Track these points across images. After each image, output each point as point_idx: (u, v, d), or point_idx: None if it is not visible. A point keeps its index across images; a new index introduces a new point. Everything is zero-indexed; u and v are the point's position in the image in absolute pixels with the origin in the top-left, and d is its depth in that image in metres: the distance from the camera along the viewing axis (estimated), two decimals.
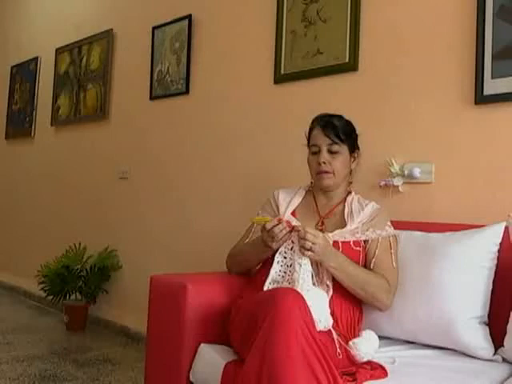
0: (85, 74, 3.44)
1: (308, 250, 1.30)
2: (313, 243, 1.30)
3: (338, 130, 1.51)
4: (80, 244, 3.17)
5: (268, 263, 1.44)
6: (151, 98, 2.94)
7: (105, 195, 3.25)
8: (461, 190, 1.71)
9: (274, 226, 1.35)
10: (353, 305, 1.43)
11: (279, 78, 2.29)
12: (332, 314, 1.33)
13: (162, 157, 2.88)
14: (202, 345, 1.42)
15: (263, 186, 2.20)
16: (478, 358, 1.36)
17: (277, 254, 1.38)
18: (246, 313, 1.26)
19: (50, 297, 3.00)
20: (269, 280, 1.35)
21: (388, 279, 1.43)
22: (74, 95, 3.52)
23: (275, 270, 1.37)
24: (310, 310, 1.18)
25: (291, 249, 1.36)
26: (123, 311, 2.98)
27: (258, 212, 1.63)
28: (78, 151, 3.51)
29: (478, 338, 1.36)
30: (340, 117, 1.56)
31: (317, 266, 1.39)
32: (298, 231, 1.33)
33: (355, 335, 1.38)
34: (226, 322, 1.43)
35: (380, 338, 1.36)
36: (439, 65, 1.79)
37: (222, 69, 2.58)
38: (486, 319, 1.41)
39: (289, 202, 1.59)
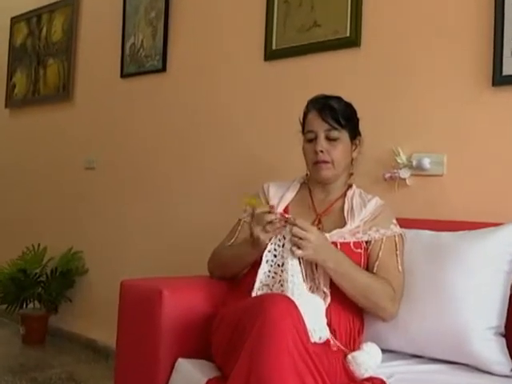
0: (45, 47, 3.41)
1: (296, 246, 1.31)
2: (302, 239, 1.30)
3: (336, 113, 1.51)
4: (39, 244, 3.15)
5: (257, 266, 1.43)
6: (122, 75, 2.92)
7: (68, 188, 3.22)
8: (476, 183, 1.73)
9: (265, 213, 1.35)
10: (353, 314, 1.44)
11: (270, 54, 2.28)
12: (329, 323, 1.34)
13: (134, 144, 2.86)
14: (180, 360, 1.42)
15: (253, 177, 2.20)
16: (493, 374, 1.37)
17: (265, 252, 1.37)
18: (231, 322, 1.27)
19: (4, 305, 2.98)
20: (257, 284, 1.36)
21: (393, 285, 1.44)
22: (33, 72, 3.48)
23: (264, 271, 1.36)
24: (303, 319, 1.19)
25: (283, 245, 1.36)
26: (89, 322, 2.97)
27: (247, 207, 1.63)
28: (36, 137, 3.47)
29: (493, 352, 1.38)
30: (338, 98, 1.57)
31: (311, 269, 1.40)
32: (292, 223, 1.33)
33: (355, 348, 1.39)
34: (207, 333, 1.43)
35: (383, 351, 1.38)
36: (452, 41, 1.80)
37: (204, 43, 2.56)
38: (502, 330, 1.43)
39: (281, 197, 1.59)
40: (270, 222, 1.34)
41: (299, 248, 1.31)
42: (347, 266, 1.39)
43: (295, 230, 1.30)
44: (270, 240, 1.37)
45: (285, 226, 1.35)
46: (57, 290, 3.01)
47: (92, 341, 2.89)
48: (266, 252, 1.37)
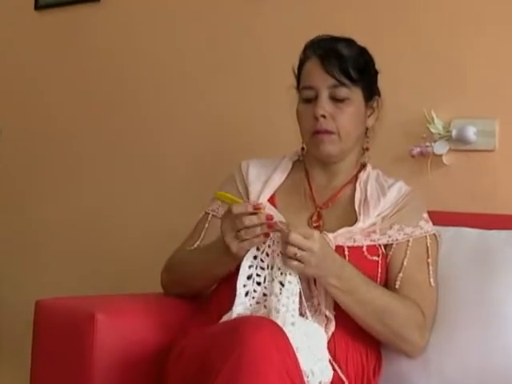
0: None
1: (294, 259, 1.30)
2: (302, 249, 1.29)
3: (345, 62, 1.52)
4: None
5: (233, 278, 1.42)
6: (37, 6, 2.88)
7: None
8: None
9: (246, 215, 1.33)
10: (366, 346, 1.46)
11: None
12: (333, 359, 1.36)
13: (56, 106, 2.83)
14: None
15: (226, 153, 2.21)
16: None
17: (244, 262, 1.36)
18: (194, 356, 1.27)
19: None
20: (235, 311, 1.35)
21: (422, 306, 1.46)
22: None
23: (244, 305, 1.36)
24: (295, 355, 1.20)
25: (269, 254, 1.36)
26: None
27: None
28: None
29: None
30: (349, 42, 1.57)
31: (308, 284, 1.41)
32: (280, 230, 1.33)
33: None
34: (160, 373, 1.44)
35: None
36: None
37: None
38: None
39: (265, 182, 1.60)
40: (248, 228, 1.33)
41: (298, 260, 1.30)
42: (357, 281, 1.40)
43: (294, 236, 1.29)
44: (247, 253, 1.36)
45: (267, 236, 1.35)
46: None
47: None
48: (241, 276, 1.36)
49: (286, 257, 1.31)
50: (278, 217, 1.42)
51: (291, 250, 1.29)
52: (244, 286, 1.37)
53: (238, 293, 1.36)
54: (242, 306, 1.36)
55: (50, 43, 2.87)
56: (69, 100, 2.79)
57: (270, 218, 1.34)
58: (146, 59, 2.55)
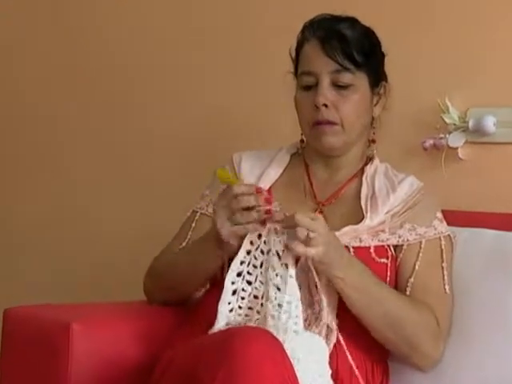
0: None
1: (304, 244, 1.28)
2: (311, 230, 1.28)
3: (349, 44, 1.51)
4: None
5: (220, 287, 1.41)
6: None
7: None
8: None
9: (247, 195, 1.32)
10: (372, 358, 1.45)
11: None
12: (335, 374, 1.35)
13: (38, 93, 2.81)
14: None
15: (215, 151, 2.19)
16: None
17: (230, 273, 1.35)
18: (181, 372, 1.26)
19: None
20: (219, 324, 1.34)
21: (437, 314, 1.46)
22: None
23: (232, 306, 1.35)
24: (293, 369, 1.20)
25: (260, 265, 1.36)
26: None
27: (205, 193, 1.64)
28: None
29: None
30: (352, 21, 1.57)
31: (309, 289, 1.40)
32: (279, 221, 1.33)
33: None
34: None
35: None
36: None
37: None
38: None
39: (259, 176, 1.60)
40: (247, 209, 1.32)
41: (309, 245, 1.28)
42: (366, 278, 1.40)
43: (300, 216, 1.27)
44: (241, 242, 1.36)
45: (264, 224, 1.34)
46: None
47: None
48: (231, 272, 1.36)
49: (293, 243, 1.28)
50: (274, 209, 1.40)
51: (301, 231, 1.28)
52: (232, 283, 1.36)
53: (225, 289, 1.35)
54: (228, 307, 1.35)
55: (32, 24, 2.85)
56: (52, 86, 2.78)
57: (268, 200, 1.34)
58: (136, 44, 2.54)
